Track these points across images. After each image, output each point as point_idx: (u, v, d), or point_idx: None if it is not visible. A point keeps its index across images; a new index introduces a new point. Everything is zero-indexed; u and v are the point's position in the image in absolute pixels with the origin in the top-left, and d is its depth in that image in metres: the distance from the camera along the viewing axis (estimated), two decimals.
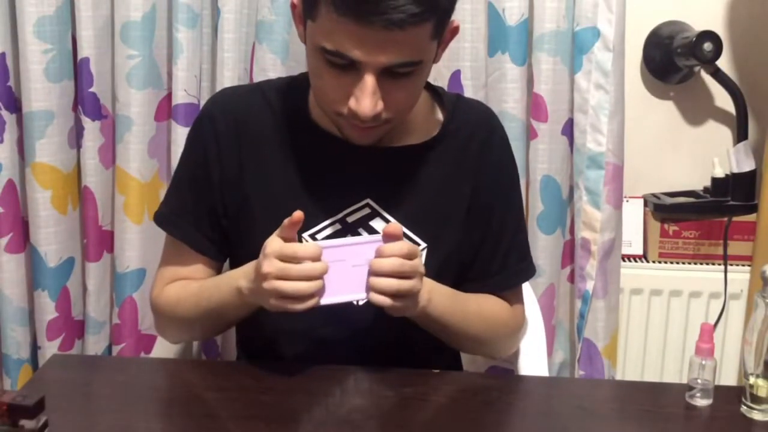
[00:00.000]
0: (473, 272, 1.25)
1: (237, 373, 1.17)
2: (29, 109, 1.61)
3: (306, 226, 1.16)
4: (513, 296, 1.29)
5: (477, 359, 1.77)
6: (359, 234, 1.18)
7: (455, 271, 1.24)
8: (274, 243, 1.05)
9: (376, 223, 1.18)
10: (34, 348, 1.75)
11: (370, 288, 1.06)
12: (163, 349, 1.31)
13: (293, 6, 1.13)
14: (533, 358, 1.37)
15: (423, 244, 1.20)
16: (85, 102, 1.64)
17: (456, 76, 1.64)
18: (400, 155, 1.20)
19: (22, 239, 1.71)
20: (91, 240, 1.71)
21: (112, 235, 1.72)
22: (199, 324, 1.23)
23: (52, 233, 1.67)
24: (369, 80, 1.04)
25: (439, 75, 1.64)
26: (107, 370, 1.27)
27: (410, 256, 1.07)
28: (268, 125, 1.21)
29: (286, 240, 1.05)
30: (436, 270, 1.18)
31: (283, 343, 1.23)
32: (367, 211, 1.19)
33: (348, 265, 1.06)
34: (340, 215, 1.18)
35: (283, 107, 1.22)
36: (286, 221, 1.06)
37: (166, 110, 1.68)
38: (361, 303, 1.14)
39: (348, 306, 1.11)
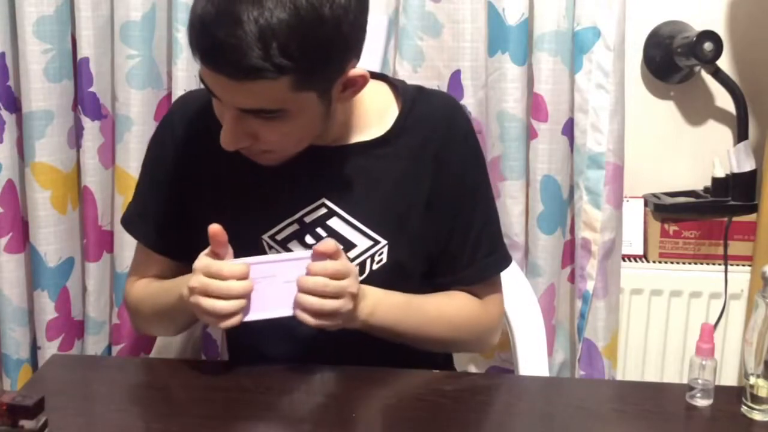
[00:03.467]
0: (442, 267, 1.24)
1: (237, 373, 1.16)
2: (29, 109, 1.61)
3: (265, 227, 1.17)
4: (485, 289, 1.26)
5: (477, 359, 1.77)
6: (318, 234, 1.17)
7: (423, 265, 1.23)
8: (202, 259, 1.07)
9: (334, 222, 1.17)
10: (34, 348, 1.75)
11: (295, 305, 1.07)
12: (163, 349, 1.31)
13: None
14: (533, 358, 1.37)
15: (383, 241, 1.18)
16: (85, 102, 1.64)
17: (456, 76, 1.64)
18: (353, 152, 1.18)
19: (22, 239, 1.71)
20: (91, 240, 1.71)
21: (111, 235, 1.72)
22: (157, 323, 1.28)
23: (52, 233, 1.67)
24: (227, 116, 1.05)
25: (439, 75, 1.64)
26: (107, 370, 1.27)
27: (336, 276, 1.06)
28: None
29: (217, 257, 1.07)
30: (400, 266, 1.19)
31: (268, 342, 1.21)
32: (323, 210, 1.17)
33: (279, 280, 1.06)
34: (297, 216, 1.17)
35: None
36: (210, 239, 1.07)
37: (165, 110, 1.68)
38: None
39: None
